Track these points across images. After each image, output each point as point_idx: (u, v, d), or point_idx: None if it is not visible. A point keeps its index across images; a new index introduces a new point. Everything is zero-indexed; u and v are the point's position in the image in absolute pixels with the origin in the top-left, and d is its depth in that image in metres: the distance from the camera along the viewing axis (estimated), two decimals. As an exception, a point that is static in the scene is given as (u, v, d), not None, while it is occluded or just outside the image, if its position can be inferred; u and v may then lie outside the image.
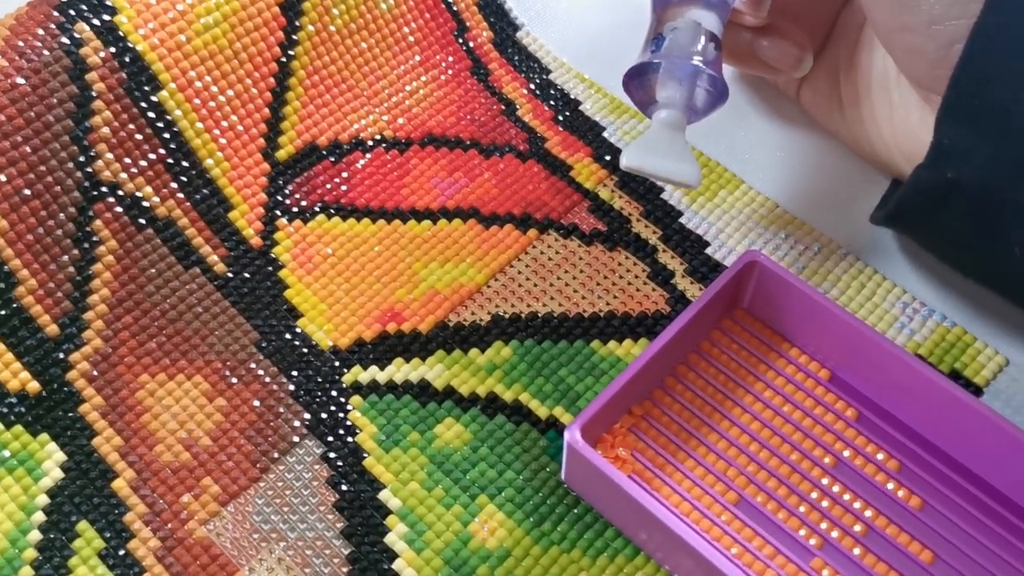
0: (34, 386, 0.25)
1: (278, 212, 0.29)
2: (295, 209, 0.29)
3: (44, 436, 0.25)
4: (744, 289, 0.26)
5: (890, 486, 0.24)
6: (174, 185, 0.28)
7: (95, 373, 0.26)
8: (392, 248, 0.29)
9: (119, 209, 0.27)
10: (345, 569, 0.23)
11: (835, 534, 0.23)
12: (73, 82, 0.26)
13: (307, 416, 0.26)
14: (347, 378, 0.26)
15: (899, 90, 0.27)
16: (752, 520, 0.24)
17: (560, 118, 0.32)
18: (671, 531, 0.21)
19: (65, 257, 0.26)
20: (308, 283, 0.28)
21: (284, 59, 0.30)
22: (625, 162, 0.23)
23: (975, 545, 0.23)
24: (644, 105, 0.24)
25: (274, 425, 0.25)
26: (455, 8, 0.33)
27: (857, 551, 0.23)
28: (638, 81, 0.24)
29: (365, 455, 0.25)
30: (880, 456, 0.25)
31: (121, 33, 0.27)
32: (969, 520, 0.24)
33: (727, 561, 0.21)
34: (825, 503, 0.24)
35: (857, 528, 0.23)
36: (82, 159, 0.27)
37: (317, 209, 0.29)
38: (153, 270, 0.27)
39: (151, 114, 0.28)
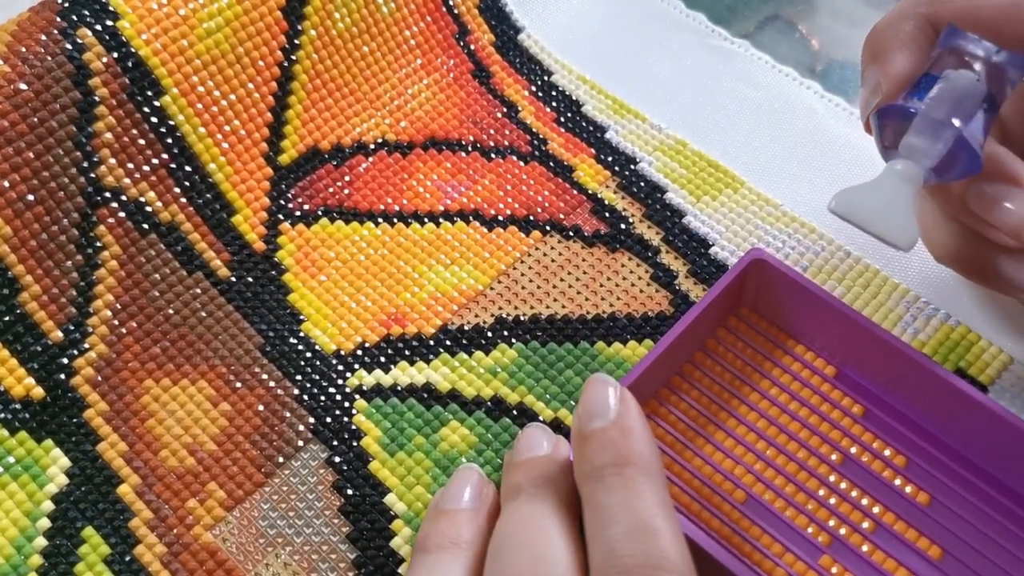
0: (38, 392, 0.25)
1: (281, 216, 0.29)
2: (298, 213, 0.29)
3: (48, 442, 0.25)
4: (749, 287, 0.26)
5: (898, 482, 0.24)
6: (177, 190, 0.28)
7: (99, 378, 0.26)
8: (395, 251, 0.29)
9: (122, 214, 0.27)
10: (351, 574, 0.23)
11: (843, 531, 0.23)
12: (76, 87, 0.26)
13: (311, 420, 0.26)
14: (351, 382, 0.26)
15: None
16: (760, 518, 0.24)
17: (562, 120, 0.32)
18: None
19: (69, 263, 0.26)
20: (311, 287, 0.28)
21: (286, 63, 0.30)
22: (834, 206, 0.22)
23: (984, 540, 0.23)
24: (884, 147, 0.22)
25: (279, 430, 0.25)
26: (456, 11, 0.33)
27: (866, 548, 0.23)
28: (890, 122, 0.21)
29: (370, 459, 0.25)
30: (887, 452, 0.25)
31: (123, 38, 0.27)
32: (977, 515, 0.23)
33: (735, 560, 0.21)
34: (833, 500, 0.24)
35: (865, 525, 0.23)
36: (85, 164, 0.27)
37: (320, 213, 0.29)
38: (156, 275, 0.27)
39: (154, 119, 0.28)
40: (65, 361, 0.26)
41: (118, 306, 0.27)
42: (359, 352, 0.27)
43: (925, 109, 0.21)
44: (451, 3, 0.33)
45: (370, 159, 0.31)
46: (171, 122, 0.28)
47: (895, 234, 0.21)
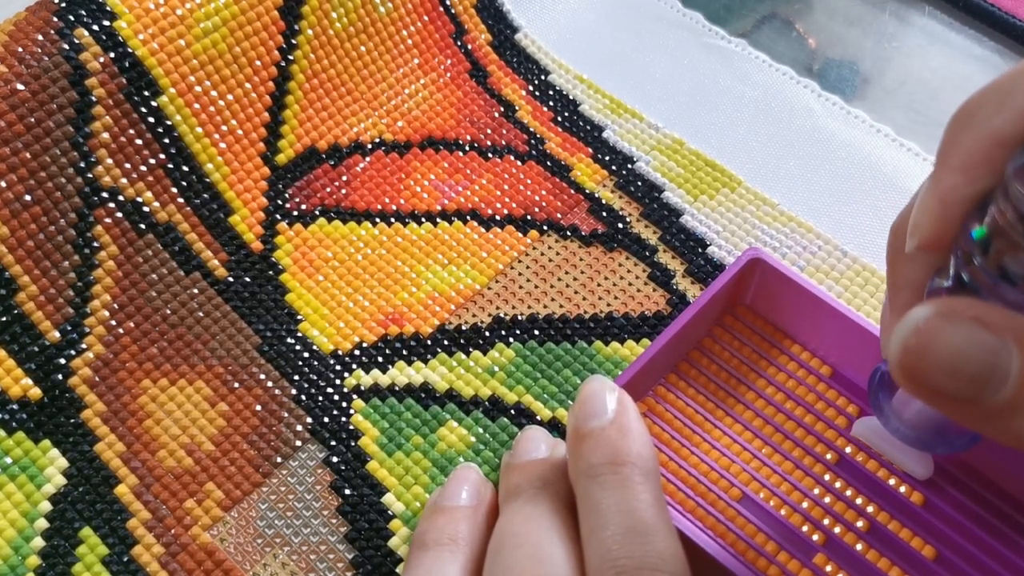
0: (35, 392, 0.25)
1: (278, 216, 0.29)
2: (295, 213, 0.29)
3: (46, 442, 0.25)
4: (746, 286, 0.26)
5: (892, 482, 0.24)
6: (174, 190, 0.28)
7: (97, 379, 0.26)
8: (392, 251, 0.29)
9: (119, 214, 0.27)
10: (349, 573, 0.23)
11: (838, 530, 0.23)
12: (73, 87, 0.26)
13: (309, 420, 0.26)
14: (349, 382, 0.26)
15: None
16: (755, 516, 0.24)
17: (559, 119, 0.32)
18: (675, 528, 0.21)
19: (66, 263, 0.26)
20: (309, 287, 0.28)
21: (283, 63, 0.30)
22: (855, 431, 0.24)
23: (977, 540, 0.23)
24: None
25: (276, 430, 0.25)
26: (453, 11, 0.33)
27: (860, 547, 0.23)
28: (877, 401, 0.22)
29: (368, 459, 0.25)
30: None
31: (120, 38, 0.27)
32: (971, 515, 0.24)
33: (731, 557, 0.21)
34: (827, 499, 0.24)
35: (859, 524, 0.24)
36: (82, 165, 0.27)
37: (317, 213, 0.29)
38: (154, 275, 0.27)
39: (151, 119, 0.28)
40: (62, 361, 0.26)
41: (115, 306, 0.27)
42: (357, 352, 0.27)
43: (901, 412, 0.21)
44: (448, 2, 0.33)
45: (367, 159, 0.31)
46: (168, 122, 0.28)
47: (911, 466, 0.23)
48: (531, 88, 0.33)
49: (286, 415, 0.26)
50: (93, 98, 0.27)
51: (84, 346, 0.26)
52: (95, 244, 0.27)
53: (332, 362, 0.27)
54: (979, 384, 0.15)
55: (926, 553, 0.23)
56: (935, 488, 0.24)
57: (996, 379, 0.15)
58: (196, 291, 0.27)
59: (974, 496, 0.24)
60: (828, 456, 0.25)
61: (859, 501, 0.24)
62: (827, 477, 0.24)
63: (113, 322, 0.26)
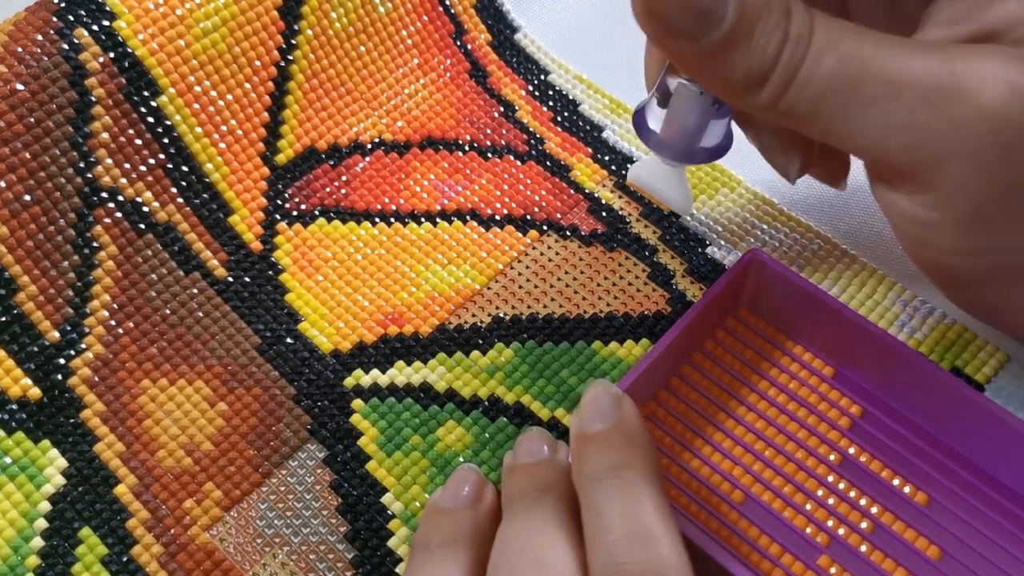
0: (35, 392, 0.25)
1: (278, 216, 0.29)
2: (295, 213, 0.29)
3: (45, 442, 0.25)
4: (746, 288, 0.26)
5: (896, 482, 0.24)
6: (174, 190, 0.28)
7: (96, 379, 0.26)
8: (392, 251, 0.29)
9: (119, 214, 0.27)
10: (349, 573, 0.23)
11: (842, 531, 0.23)
12: (72, 88, 0.26)
13: (309, 420, 0.25)
14: (348, 382, 0.26)
15: None
16: (758, 519, 0.24)
17: (559, 119, 0.32)
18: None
19: (65, 263, 0.26)
20: (309, 287, 0.28)
21: (283, 63, 0.30)
22: (629, 178, 0.26)
23: (982, 540, 0.23)
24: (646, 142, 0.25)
25: (276, 430, 0.25)
26: (453, 11, 0.33)
27: (864, 548, 0.23)
28: (641, 128, 0.25)
29: (367, 459, 0.25)
30: (885, 452, 0.24)
31: (120, 38, 0.27)
32: (976, 515, 0.23)
33: (734, 560, 0.21)
34: (831, 500, 0.24)
35: (864, 525, 0.23)
36: (82, 165, 0.27)
37: (317, 213, 0.29)
38: (153, 275, 0.27)
39: (150, 119, 0.28)
40: (62, 361, 0.26)
41: (115, 306, 0.27)
42: (356, 352, 0.27)
43: (662, 132, 0.24)
44: (447, 2, 0.33)
45: (367, 159, 0.31)
46: (168, 122, 0.28)
47: (674, 202, 0.25)
48: (531, 88, 0.33)
49: (286, 415, 0.26)
50: (93, 98, 0.27)
51: (84, 346, 0.26)
52: (95, 244, 0.27)
53: (332, 362, 0.27)
54: (701, 22, 0.19)
55: (931, 554, 0.23)
56: (939, 487, 0.24)
57: (715, 18, 0.19)
58: (195, 291, 0.27)
59: (979, 495, 0.24)
60: (831, 457, 0.24)
61: (863, 502, 0.24)
62: (830, 478, 0.24)
63: (113, 322, 0.26)
